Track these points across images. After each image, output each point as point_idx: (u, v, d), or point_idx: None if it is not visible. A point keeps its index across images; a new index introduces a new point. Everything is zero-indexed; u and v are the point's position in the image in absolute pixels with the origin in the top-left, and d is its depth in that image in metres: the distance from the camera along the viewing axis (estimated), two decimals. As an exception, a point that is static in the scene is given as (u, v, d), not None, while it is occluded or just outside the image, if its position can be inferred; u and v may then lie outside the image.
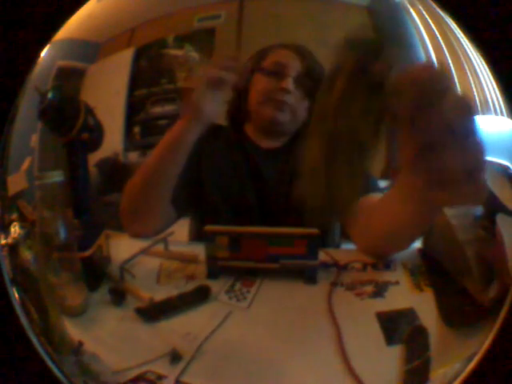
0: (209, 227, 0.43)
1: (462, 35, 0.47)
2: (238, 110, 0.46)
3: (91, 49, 0.46)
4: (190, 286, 0.43)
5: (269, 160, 0.48)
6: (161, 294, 0.43)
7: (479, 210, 0.46)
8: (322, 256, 0.44)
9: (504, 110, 0.47)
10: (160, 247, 0.45)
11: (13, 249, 0.44)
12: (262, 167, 0.48)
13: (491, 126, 0.48)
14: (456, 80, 0.47)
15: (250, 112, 0.47)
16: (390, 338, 0.42)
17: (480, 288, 0.43)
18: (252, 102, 0.47)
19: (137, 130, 0.45)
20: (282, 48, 0.46)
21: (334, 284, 0.44)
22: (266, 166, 0.48)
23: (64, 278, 0.44)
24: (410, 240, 0.44)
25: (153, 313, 0.43)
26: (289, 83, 0.46)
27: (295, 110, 0.46)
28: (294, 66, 0.46)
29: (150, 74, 0.46)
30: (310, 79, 0.45)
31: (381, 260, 0.45)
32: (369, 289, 0.44)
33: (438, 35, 0.47)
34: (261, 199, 0.47)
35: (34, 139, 0.45)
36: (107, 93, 0.44)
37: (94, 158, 0.43)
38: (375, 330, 0.42)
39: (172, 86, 0.45)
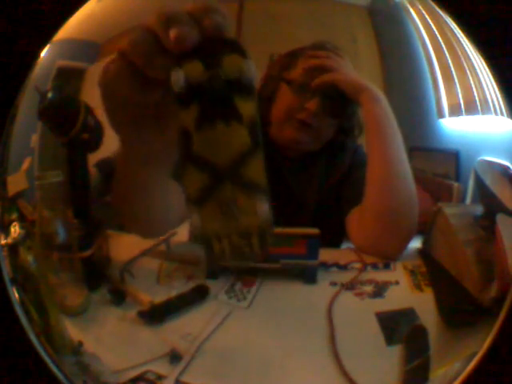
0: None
1: (462, 35, 0.47)
2: (262, 116, 0.45)
3: (91, 49, 0.46)
4: (190, 286, 0.44)
5: (295, 168, 0.47)
6: (161, 294, 0.43)
7: (479, 209, 0.46)
8: (322, 256, 0.44)
9: (504, 110, 0.47)
10: (162, 248, 0.45)
11: (13, 249, 0.44)
12: (287, 175, 0.47)
13: (491, 126, 0.48)
14: (456, 80, 0.47)
15: (272, 124, 0.45)
16: (390, 338, 0.42)
17: (480, 288, 0.43)
18: (274, 117, 0.45)
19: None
20: (313, 54, 0.44)
21: (333, 284, 0.44)
22: (292, 174, 0.47)
23: (64, 277, 0.44)
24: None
25: (156, 315, 0.43)
26: (315, 104, 0.44)
27: (320, 130, 0.45)
28: (325, 83, 0.44)
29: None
30: (340, 95, 0.44)
31: (389, 260, 0.45)
32: (369, 289, 0.44)
33: (438, 35, 0.47)
34: (287, 207, 0.46)
35: (34, 139, 0.45)
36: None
37: (93, 158, 0.43)
38: (375, 330, 0.42)
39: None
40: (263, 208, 0.32)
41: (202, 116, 0.31)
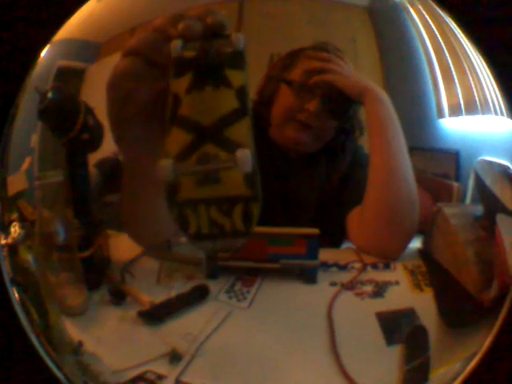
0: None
1: (462, 35, 0.47)
2: (262, 116, 0.45)
3: (91, 49, 0.46)
4: (190, 286, 0.44)
5: (295, 168, 0.47)
6: (161, 294, 0.43)
7: (479, 209, 0.46)
8: (322, 256, 0.44)
9: (504, 110, 0.47)
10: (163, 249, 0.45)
11: (13, 249, 0.44)
12: (288, 176, 0.47)
13: (491, 126, 0.48)
14: (457, 80, 0.47)
15: (272, 125, 0.45)
16: (390, 338, 0.42)
17: (480, 288, 0.43)
18: (274, 118, 0.45)
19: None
20: (314, 55, 0.44)
21: (333, 284, 0.44)
22: (293, 175, 0.47)
23: (64, 277, 0.44)
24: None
25: (156, 315, 0.43)
26: (315, 105, 0.44)
27: (320, 131, 0.45)
28: (325, 83, 0.44)
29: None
30: (340, 96, 0.44)
31: (389, 260, 0.45)
32: (369, 289, 0.44)
33: (438, 35, 0.47)
34: (287, 207, 0.46)
35: (34, 139, 0.45)
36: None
37: (94, 158, 0.43)
38: (375, 330, 0.42)
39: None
40: (245, 165, 0.30)
41: (193, 82, 0.32)
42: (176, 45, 0.33)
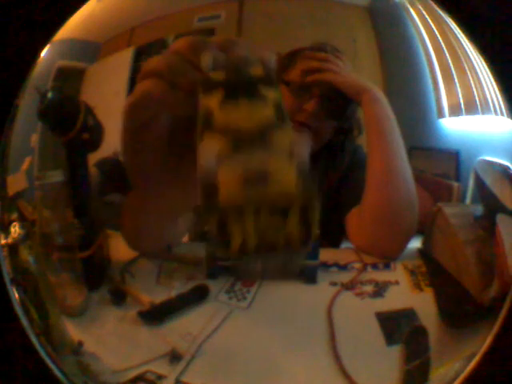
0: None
1: (462, 35, 0.47)
2: None
3: (91, 49, 0.46)
4: (190, 286, 0.44)
5: None
6: (161, 294, 0.43)
7: (479, 210, 0.46)
8: (322, 256, 0.44)
9: (504, 110, 0.47)
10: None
11: (13, 249, 0.44)
12: None
13: (491, 126, 0.48)
14: (456, 80, 0.47)
15: None
16: (390, 338, 0.42)
17: (480, 288, 0.43)
18: None
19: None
20: (312, 56, 0.44)
21: (333, 284, 0.44)
22: None
23: (64, 277, 0.44)
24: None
25: (156, 315, 0.43)
26: (314, 105, 0.44)
27: (319, 131, 0.45)
28: (323, 82, 0.44)
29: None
30: (338, 96, 0.44)
31: (388, 260, 0.45)
32: (369, 289, 0.44)
33: (438, 35, 0.47)
34: None
35: (34, 139, 0.45)
36: (107, 93, 0.44)
37: (94, 157, 0.43)
38: (375, 330, 0.42)
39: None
40: (302, 171, 0.26)
41: (226, 96, 0.30)
42: (207, 60, 0.31)
